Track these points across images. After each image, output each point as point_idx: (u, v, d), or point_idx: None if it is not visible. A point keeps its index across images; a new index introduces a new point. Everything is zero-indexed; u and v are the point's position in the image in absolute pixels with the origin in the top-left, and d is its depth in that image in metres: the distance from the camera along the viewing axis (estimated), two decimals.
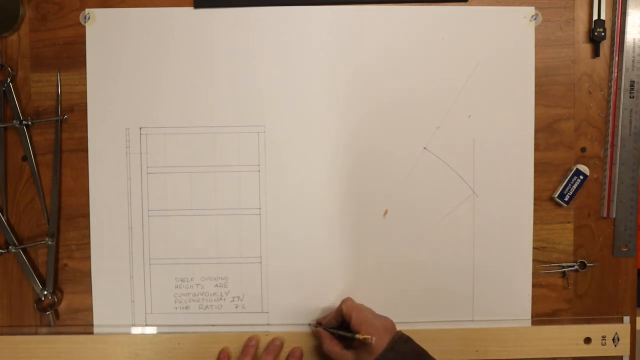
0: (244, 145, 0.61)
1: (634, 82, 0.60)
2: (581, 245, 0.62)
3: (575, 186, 0.61)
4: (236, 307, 0.62)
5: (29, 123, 0.60)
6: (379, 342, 0.52)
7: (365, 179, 0.61)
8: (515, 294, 0.61)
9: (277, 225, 0.61)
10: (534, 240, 0.61)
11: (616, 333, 0.61)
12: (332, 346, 0.56)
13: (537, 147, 0.61)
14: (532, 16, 0.60)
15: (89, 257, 0.61)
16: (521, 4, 0.60)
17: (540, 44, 0.61)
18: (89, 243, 0.61)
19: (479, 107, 0.61)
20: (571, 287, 0.62)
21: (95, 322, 0.61)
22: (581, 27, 0.61)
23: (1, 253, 0.60)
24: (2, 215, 0.61)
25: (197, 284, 0.61)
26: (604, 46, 0.61)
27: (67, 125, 0.61)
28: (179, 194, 0.61)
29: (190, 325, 0.61)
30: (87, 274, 0.61)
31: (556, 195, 0.61)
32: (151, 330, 0.61)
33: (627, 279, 0.62)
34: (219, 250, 0.61)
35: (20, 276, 0.61)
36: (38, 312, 0.61)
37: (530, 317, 0.62)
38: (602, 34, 0.60)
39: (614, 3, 0.60)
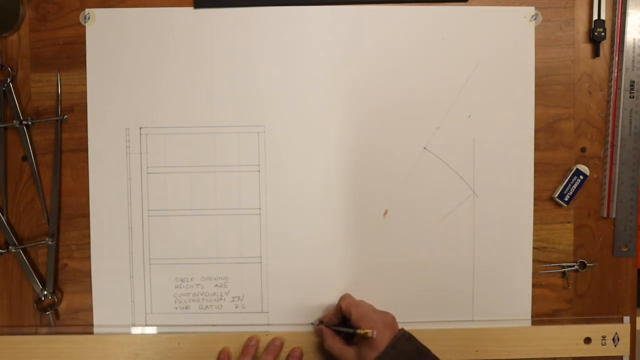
0: (244, 145, 0.61)
1: (634, 82, 0.60)
2: (581, 245, 0.62)
3: (575, 186, 0.61)
4: (236, 307, 0.62)
5: (29, 123, 0.60)
6: (379, 337, 0.51)
7: (365, 179, 0.61)
8: (515, 294, 0.61)
9: (277, 225, 0.61)
10: (534, 240, 0.61)
11: (616, 333, 0.61)
12: (334, 343, 0.56)
13: (537, 147, 0.61)
14: (532, 16, 0.60)
15: (89, 257, 0.61)
16: (521, 4, 0.60)
17: (540, 44, 0.61)
18: (89, 243, 0.61)
19: (479, 107, 0.61)
20: (571, 287, 0.62)
21: (95, 322, 0.61)
22: (581, 27, 0.61)
23: (1, 253, 0.60)
24: (2, 215, 0.61)
25: (197, 284, 0.61)
26: (604, 46, 0.61)
27: (67, 125, 0.61)
28: (179, 194, 0.61)
29: (190, 325, 0.61)
30: (87, 274, 0.61)
31: (556, 195, 0.61)
32: (151, 330, 0.61)
33: (627, 279, 0.62)
34: (219, 250, 0.61)
35: (20, 276, 0.61)
36: (38, 312, 0.61)
37: (530, 317, 0.62)
38: (602, 34, 0.60)
39: (614, 3, 0.60)
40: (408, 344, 0.52)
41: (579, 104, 0.61)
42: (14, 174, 0.61)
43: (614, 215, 0.61)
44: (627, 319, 0.62)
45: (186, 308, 0.61)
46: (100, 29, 0.60)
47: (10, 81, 0.60)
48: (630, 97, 0.60)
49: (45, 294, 0.61)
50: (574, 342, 0.61)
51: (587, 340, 0.61)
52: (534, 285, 0.61)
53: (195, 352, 0.60)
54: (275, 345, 0.60)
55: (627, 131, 0.60)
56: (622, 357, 0.62)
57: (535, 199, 0.61)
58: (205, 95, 0.60)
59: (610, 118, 0.61)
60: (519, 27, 0.60)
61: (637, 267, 0.62)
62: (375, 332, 0.51)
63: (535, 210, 0.61)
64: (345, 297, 0.58)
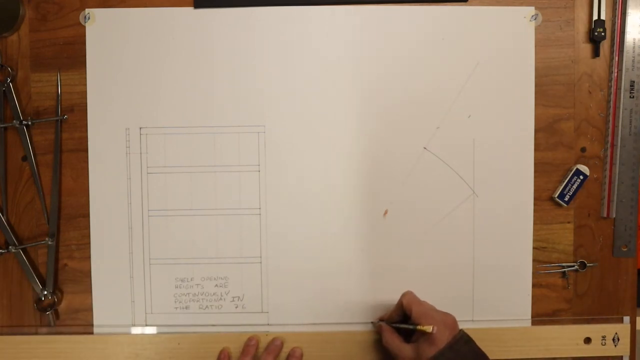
0: (244, 145, 0.61)
1: (634, 82, 0.60)
2: (581, 245, 0.62)
3: (575, 186, 0.61)
4: (236, 307, 0.62)
5: (29, 123, 0.60)
6: (439, 335, 0.51)
7: (365, 179, 0.61)
8: (515, 294, 0.61)
9: (277, 225, 0.61)
10: (534, 240, 0.61)
11: (616, 333, 0.61)
12: (392, 339, 0.55)
13: (537, 147, 0.61)
14: (532, 16, 0.60)
15: (89, 257, 0.61)
16: (521, 4, 0.60)
17: (540, 44, 0.61)
18: (89, 243, 0.61)
19: (479, 107, 0.61)
20: (571, 287, 0.62)
21: (95, 322, 0.61)
22: (581, 27, 0.61)
23: (1, 253, 0.60)
24: (2, 215, 0.61)
25: (197, 284, 0.61)
26: (604, 46, 0.61)
27: (67, 125, 0.61)
28: (179, 194, 0.61)
29: (190, 325, 0.61)
30: (87, 274, 0.61)
31: (556, 195, 0.61)
32: (151, 330, 0.61)
33: (627, 279, 0.62)
34: (219, 250, 0.61)
35: (20, 276, 0.61)
36: (38, 312, 0.61)
37: (530, 317, 0.62)
38: (602, 34, 0.60)
39: (614, 3, 0.60)
40: (466, 347, 0.51)
41: (579, 104, 0.61)
42: (14, 174, 0.61)
43: (614, 215, 0.61)
44: (627, 319, 0.62)
45: (186, 308, 0.61)
46: (100, 29, 0.60)
47: (10, 81, 0.60)
48: (630, 97, 0.60)
49: (45, 294, 0.61)
50: (574, 342, 0.61)
51: (587, 340, 0.61)
52: (534, 285, 0.61)
53: (195, 352, 0.60)
54: (276, 345, 0.60)
55: (627, 131, 0.60)
56: (622, 357, 0.62)
57: (535, 199, 0.61)
58: (205, 95, 0.60)
59: (610, 118, 0.61)
60: (519, 27, 0.60)
61: (637, 267, 0.62)
62: (435, 328, 0.51)
63: (535, 210, 0.61)
64: (406, 294, 0.57)
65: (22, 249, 0.60)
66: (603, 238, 0.62)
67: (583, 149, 0.61)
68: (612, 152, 0.61)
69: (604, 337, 0.61)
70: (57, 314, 0.61)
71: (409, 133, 0.61)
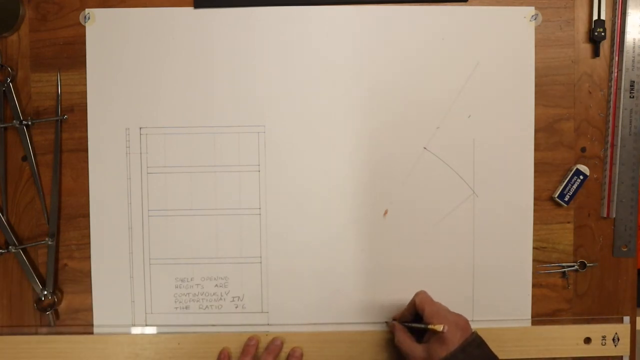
0: (244, 145, 0.61)
1: (634, 82, 0.60)
2: (581, 245, 0.62)
3: (575, 186, 0.61)
4: (236, 307, 0.62)
5: (29, 123, 0.60)
6: (450, 336, 0.50)
7: (365, 179, 0.61)
8: (515, 294, 0.61)
9: (277, 225, 0.61)
10: (534, 240, 0.61)
11: (616, 333, 0.61)
12: (404, 339, 0.55)
13: (537, 147, 0.61)
14: (532, 16, 0.60)
15: (89, 257, 0.61)
16: (521, 4, 0.60)
17: (540, 44, 0.61)
18: (89, 243, 0.61)
19: (479, 107, 0.61)
20: (571, 287, 0.62)
21: (95, 322, 0.61)
22: (581, 27, 0.61)
23: (1, 253, 0.60)
24: (2, 215, 0.61)
25: (197, 284, 0.61)
26: (604, 46, 0.61)
27: (67, 125, 0.61)
28: (179, 194, 0.61)
29: (190, 325, 0.61)
30: (87, 274, 0.61)
31: (556, 195, 0.61)
32: (151, 330, 0.61)
33: (627, 279, 0.62)
34: (219, 250, 0.61)
35: (20, 276, 0.61)
36: (38, 312, 0.61)
37: (530, 317, 0.62)
38: (602, 34, 0.60)
39: (614, 3, 0.60)
40: (477, 351, 0.51)
41: (579, 104, 0.61)
42: (14, 174, 0.61)
43: (614, 215, 0.61)
44: (627, 319, 0.62)
45: (186, 308, 0.61)
46: (100, 29, 0.60)
47: (10, 81, 0.60)
48: (630, 97, 0.60)
49: (45, 294, 0.61)
50: (574, 342, 0.61)
51: (587, 340, 0.61)
52: (534, 285, 0.62)
53: (195, 352, 0.60)
54: (276, 345, 0.60)
55: (627, 131, 0.60)
56: (622, 357, 0.62)
57: (535, 199, 0.61)
58: (205, 96, 0.60)
59: (610, 118, 0.61)
60: (519, 27, 0.60)
61: (637, 267, 0.62)
62: (446, 327, 0.50)
63: (535, 210, 0.61)
64: (419, 294, 0.56)
65: (22, 249, 0.60)
66: (603, 238, 0.62)
67: (583, 149, 0.61)
68: (612, 152, 0.61)
69: (604, 337, 0.61)
70: (57, 314, 0.61)
71: (409, 133, 0.61)
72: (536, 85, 0.61)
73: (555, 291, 0.62)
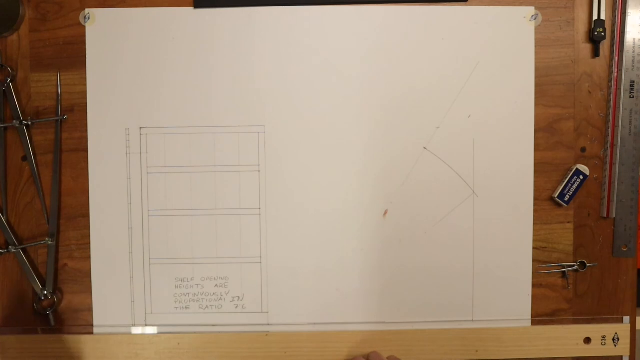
0: (244, 145, 0.61)
1: (634, 82, 0.60)
2: (581, 245, 0.62)
3: (575, 186, 0.61)
4: (236, 307, 0.62)
5: (29, 123, 0.60)
6: None
7: (365, 179, 0.61)
8: (515, 294, 0.61)
9: (277, 225, 0.61)
10: (534, 240, 0.61)
11: (616, 333, 0.61)
12: None
13: (537, 147, 0.61)
14: (532, 16, 0.60)
15: (89, 257, 0.61)
16: (521, 4, 0.60)
17: (540, 44, 0.61)
18: (89, 243, 0.61)
19: (479, 107, 0.61)
20: (571, 287, 0.62)
21: (95, 322, 0.61)
22: (581, 27, 0.61)
23: (1, 253, 0.60)
24: (2, 215, 0.61)
25: (197, 284, 0.61)
26: (604, 46, 0.61)
27: (67, 125, 0.61)
28: (179, 194, 0.61)
29: (190, 325, 0.61)
30: (87, 274, 0.61)
31: (556, 195, 0.61)
32: (151, 330, 0.61)
33: (627, 279, 0.62)
34: (219, 250, 0.61)
35: (20, 276, 0.61)
36: (38, 312, 0.61)
37: (530, 317, 0.62)
38: (602, 34, 0.60)
39: (614, 3, 0.60)
40: None
41: (579, 104, 0.61)
42: (14, 174, 0.61)
43: (614, 215, 0.61)
44: (627, 319, 0.62)
45: (186, 308, 0.61)
46: (100, 29, 0.60)
47: (10, 81, 0.60)
48: (630, 97, 0.60)
49: (45, 294, 0.61)
50: (574, 342, 0.61)
51: (587, 340, 0.61)
52: (534, 285, 0.62)
53: (195, 352, 0.60)
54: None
55: (627, 131, 0.60)
56: (622, 357, 0.62)
57: (535, 199, 0.61)
58: (205, 96, 0.60)
59: (610, 118, 0.61)
60: (519, 27, 0.60)
61: (637, 267, 0.62)
62: None
63: (535, 210, 0.61)
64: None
65: (22, 249, 0.60)
66: (603, 238, 0.62)
67: (583, 149, 0.61)
68: (612, 152, 0.61)
69: (604, 337, 0.61)
70: (57, 314, 0.61)
71: (409, 133, 0.61)
72: (536, 85, 0.61)
73: (555, 291, 0.62)
